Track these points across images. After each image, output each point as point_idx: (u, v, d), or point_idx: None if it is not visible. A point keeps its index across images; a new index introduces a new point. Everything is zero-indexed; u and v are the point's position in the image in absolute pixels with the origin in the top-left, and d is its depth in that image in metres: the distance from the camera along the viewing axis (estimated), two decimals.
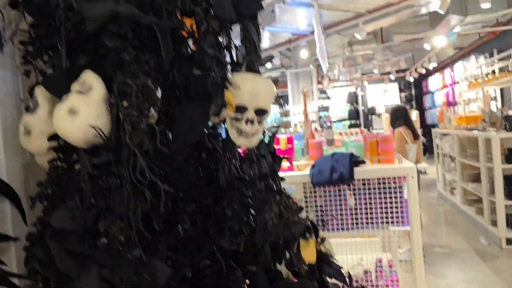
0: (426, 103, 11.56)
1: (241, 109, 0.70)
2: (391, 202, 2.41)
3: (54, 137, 0.68)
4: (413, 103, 11.95)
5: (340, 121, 11.54)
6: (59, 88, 0.67)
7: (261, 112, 0.72)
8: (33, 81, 0.79)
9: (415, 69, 9.46)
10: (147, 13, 0.65)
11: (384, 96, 11.95)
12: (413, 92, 12.11)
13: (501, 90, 6.91)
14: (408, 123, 4.13)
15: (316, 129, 5.31)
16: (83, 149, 0.64)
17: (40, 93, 0.71)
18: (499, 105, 6.79)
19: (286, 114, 8.88)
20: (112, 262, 0.61)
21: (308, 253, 0.68)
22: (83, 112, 0.64)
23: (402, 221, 2.45)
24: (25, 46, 0.80)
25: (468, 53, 8.21)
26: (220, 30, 0.73)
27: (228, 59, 0.85)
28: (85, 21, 0.62)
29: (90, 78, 0.67)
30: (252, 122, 0.72)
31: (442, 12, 5.42)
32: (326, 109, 10.62)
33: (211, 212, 0.81)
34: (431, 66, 8.97)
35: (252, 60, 0.79)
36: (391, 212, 2.44)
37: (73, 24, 0.72)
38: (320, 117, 8.94)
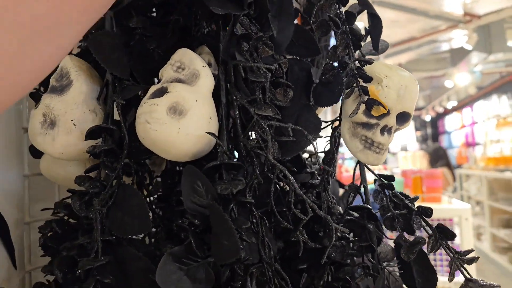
0: (443, 143, 11.30)
1: None
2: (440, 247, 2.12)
3: (95, 132, 0.43)
4: (429, 143, 11.68)
5: (351, 158, 11.28)
6: (112, 58, 0.43)
7: (404, 118, 0.48)
8: None
9: (433, 108, 9.25)
10: None
11: (398, 135, 11.70)
12: (428, 131, 11.87)
13: None
14: (449, 164, 3.88)
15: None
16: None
17: (73, 64, 0.46)
18: None
19: None
20: None
21: None
22: (193, 112, 0.40)
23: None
24: None
25: (490, 92, 8.01)
26: None
27: None
28: None
29: (192, 60, 0.43)
30: (389, 131, 0.47)
31: (470, 47, 5.25)
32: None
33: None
34: (450, 104, 8.76)
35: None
36: (440, 260, 2.15)
37: None
38: None
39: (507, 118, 5.97)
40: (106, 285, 0.42)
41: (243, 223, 0.39)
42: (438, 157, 3.90)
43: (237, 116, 0.44)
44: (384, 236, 0.50)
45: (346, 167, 3.63)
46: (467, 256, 0.44)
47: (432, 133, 11.84)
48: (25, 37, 0.23)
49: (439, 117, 11.11)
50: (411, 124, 12.76)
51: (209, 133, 0.40)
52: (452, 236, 0.43)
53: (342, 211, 0.57)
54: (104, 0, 0.29)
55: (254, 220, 0.42)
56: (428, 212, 0.44)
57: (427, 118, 10.80)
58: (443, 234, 0.44)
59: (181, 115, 0.40)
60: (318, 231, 0.56)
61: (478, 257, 0.43)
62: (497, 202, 4.66)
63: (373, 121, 0.46)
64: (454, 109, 9.97)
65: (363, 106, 0.45)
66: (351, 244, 0.51)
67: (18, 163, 0.59)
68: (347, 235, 0.53)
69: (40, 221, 0.71)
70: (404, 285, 0.54)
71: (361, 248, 0.48)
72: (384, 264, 0.53)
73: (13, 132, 0.58)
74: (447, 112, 10.26)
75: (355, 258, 0.56)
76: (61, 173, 0.52)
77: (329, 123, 0.55)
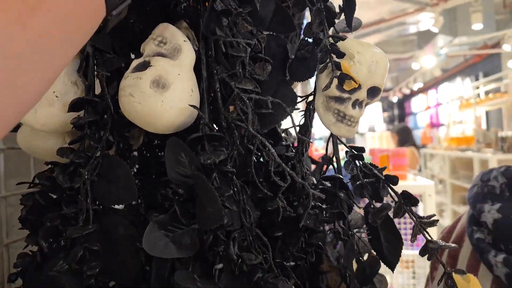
0: (409, 124, 11.62)
1: None
2: (405, 223, 2.23)
3: (78, 104, 0.44)
4: (395, 123, 11.99)
5: (321, 138, 11.49)
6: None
7: (375, 93, 0.50)
8: None
9: (400, 89, 9.47)
10: None
11: (366, 116, 11.94)
12: (395, 112, 12.16)
13: (487, 112, 6.92)
14: (415, 144, 4.03)
15: None
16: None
17: None
18: (484, 127, 6.79)
19: None
20: None
21: None
22: (176, 85, 0.41)
23: (416, 244, 2.28)
24: None
25: (454, 74, 8.26)
26: None
27: None
28: None
29: (174, 35, 0.44)
30: (360, 104, 0.50)
31: (436, 29, 5.38)
32: None
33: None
34: (416, 86, 8.99)
35: None
36: (404, 234, 2.25)
37: None
38: None
39: (469, 100, 6.19)
40: (93, 252, 0.43)
41: (225, 191, 0.41)
42: (407, 136, 4.06)
43: (218, 89, 0.46)
44: (354, 204, 0.53)
45: (316, 147, 3.71)
46: (428, 220, 0.48)
47: (398, 114, 12.15)
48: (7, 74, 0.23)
49: (406, 98, 11.39)
50: (378, 106, 13.07)
51: (191, 105, 0.42)
52: (415, 202, 0.47)
53: (315, 182, 0.60)
54: (86, 29, 0.29)
55: (235, 189, 0.45)
56: (394, 180, 0.48)
57: (394, 99, 11.05)
58: (407, 200, 0.47)
59: (164, 89, 0.42)
60: (292, 201, 0.59)
61: (438, 220, 0.46)
62: (459, 180, 4.87)
63: (345, 95, 0.48)
64: (420, 90, 10.24)
65: (336, 81, 0.47)
66: (324, 213, 0.54)
67: None
68: (320, 205, 0.57)
69: (17, 195, 0.71)
70: (372, 250, 0.58)
71: (333, 214, 0.51)
72: (355, 230, 0.57)
73: None
74: (413, 93, 10.53)
75: (326, 227, 0.60)
76: (40, 145, 0.52)
77: (304, 98, 0.58)
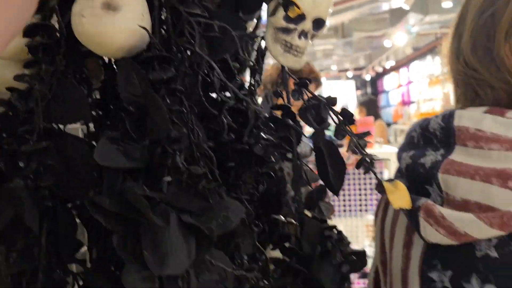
0: (381, 102, 11.82)
1: (297, 17, 0.51)
2: (371, 189, 2.32)
3: (32, 30, 0.46)
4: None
5: None
6: None
7: (319, 24, 0.54)
8: None
9: (372, 68, 9.59)
10: None
11: (340, 94, 12.05)
12: (368, 90, 12.32)
13: None
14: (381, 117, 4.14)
15: None
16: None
17: None
18: (452, 103, 6.96)
19: None
20: (189, 204, 0.43)
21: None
22: (127, 7, 0.43)
23: None
24: None
25: (425, 53, 8.40)
26: None
27: None
28: None
29: None
30: (306, 35, 0.53)
31: (407, 7, 5.46)
32: None
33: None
34: (389, 64, 9.12)
35: None
36: (370, 200, 2.34)
37: None
38: None
39: (438, 77, 6.35)
40: (48, 168, 0.46)
41: (172, 106, 0.44)
42: (375, 110, 4.16)
43: (168, 18, 0.48)
44: (302, 133, 0.57)
45: None
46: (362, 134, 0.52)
47: (371, 92, 12.31)
48: None
49: (378, 76, 11.54)
50: (352, 84, 13.09)
51: (141, 26, 0.44)
52: (352, 120, 0.51)
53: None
54: None
55: (184, 110, 0.47)
56: (333, 101, 0.52)
57: (367, 77, 11.18)
58: (347, 118, 0.51)
59: (116, 10, 0.44)
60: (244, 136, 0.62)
61: (370, 133, 0.51)
62: None
63: (292, 26, 0.52)
64: (392, 69, 10.39)
65: (282, 12, 0.51)
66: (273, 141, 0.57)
67: None
68: (270, 138, 0.60)
69: None
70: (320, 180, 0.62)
71: (280, 139, 0.54)
72: (304, 160, 0.61)
73: None
74: (385, 72, 10.67)
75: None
76: None
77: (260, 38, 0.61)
